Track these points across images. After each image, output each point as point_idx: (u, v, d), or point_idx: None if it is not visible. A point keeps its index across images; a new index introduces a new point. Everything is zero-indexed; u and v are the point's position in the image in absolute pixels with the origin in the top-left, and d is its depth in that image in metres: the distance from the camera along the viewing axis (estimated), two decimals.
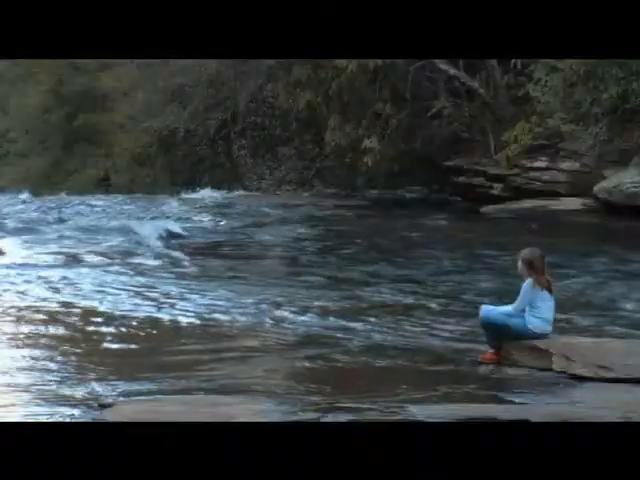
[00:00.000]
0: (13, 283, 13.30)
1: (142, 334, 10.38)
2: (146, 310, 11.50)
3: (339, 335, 10.23)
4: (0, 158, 37.63)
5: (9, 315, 11.26)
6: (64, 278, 13.64)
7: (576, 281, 13.14)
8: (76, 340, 10.11)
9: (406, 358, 9.11)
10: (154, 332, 10.50)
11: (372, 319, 11.01)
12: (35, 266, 14.70)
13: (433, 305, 11.87)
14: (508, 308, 8.94)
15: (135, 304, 11.86)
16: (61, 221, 20.48)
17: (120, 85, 32.94)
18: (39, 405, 7.44)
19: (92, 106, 33.43)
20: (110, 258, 15.60)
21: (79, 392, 7.81)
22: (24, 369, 8.79)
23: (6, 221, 20.07)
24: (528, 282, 8.81)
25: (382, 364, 8.92)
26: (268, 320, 10.99)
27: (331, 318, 11.08)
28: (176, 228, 19.19)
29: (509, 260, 12.54)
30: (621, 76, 19.47)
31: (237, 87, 28.61)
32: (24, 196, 26.07)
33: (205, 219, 21.20)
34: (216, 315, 11.21)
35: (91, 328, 10.66)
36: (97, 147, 33.29)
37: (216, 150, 29.95)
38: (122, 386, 7.96)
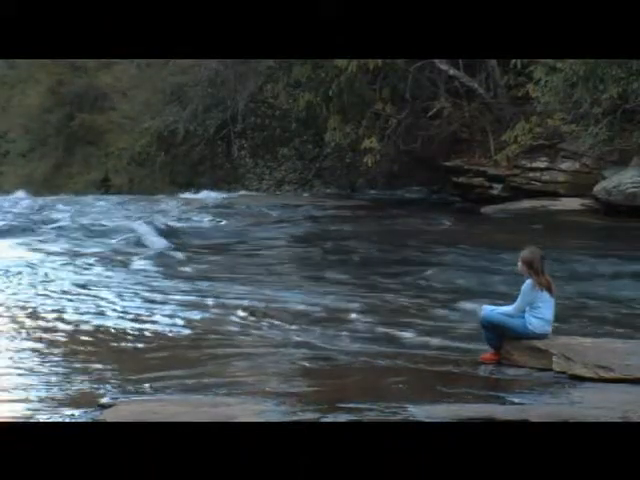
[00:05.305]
0: (13, 284, 13.31)
1: (140, 334, 10.38)
2: (145, 310, 11.51)
3: (338, 336, 10.24)
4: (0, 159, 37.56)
5: (8, 315, 11.27)
6: (62, 279, 13.64)
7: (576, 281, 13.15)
8: (75, 341, 10.12)
9: (406, 358, 9.10)
10: (151, 332, 10.50)
11: (372, 319, 11.02)
12: (34, 267, 14.68)
13: (433, 305, 11.87)
14: (508, 308, 8.94)
15: (134, 304, 11.87)
16: (60, 221, 20.45)
17: (120, 85, 32.90)
18: (38, 405, 7.45)
19: (92, 106, 33.38)
20: (109, 258, 15.60)
21: (78, 392, 7.82)
22: (24, 369, 8.79)
23: (4, 222, 20.03)
24: (528, 282, 8.81)
25: (382, 364, 8.92)
26: (266, 321, 10.99)
27: (331, 318, 11.08)
28: (175, 228, 19.19)
29: (509, 260, 12.55)
30: (621, 76, 19.45)
31: (237, 87, 28.58)
32: (22, 196, 26.03)
33: (205, 219, 21.18)
34: (214, 315, 11.21)
35: (88, 328, 10.66)
36: (97, 147, 33.23)
37: (216, 150, 29.91)
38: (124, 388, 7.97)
